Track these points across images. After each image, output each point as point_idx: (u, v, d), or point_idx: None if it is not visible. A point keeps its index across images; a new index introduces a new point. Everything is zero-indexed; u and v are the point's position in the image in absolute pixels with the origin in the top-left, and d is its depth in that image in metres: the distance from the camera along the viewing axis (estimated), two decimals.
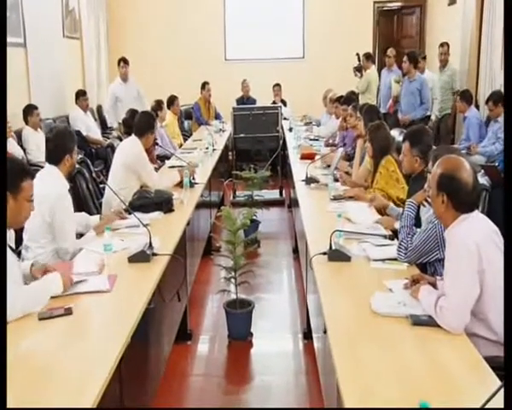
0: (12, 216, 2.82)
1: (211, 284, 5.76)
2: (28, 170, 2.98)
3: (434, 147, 3.79)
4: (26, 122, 7.08)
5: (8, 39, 7.67)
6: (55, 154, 3.85)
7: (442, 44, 9.28)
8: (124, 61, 9.58)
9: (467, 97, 7.47)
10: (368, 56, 10.14)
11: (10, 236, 2.95)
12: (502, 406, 1.71)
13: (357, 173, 5.24)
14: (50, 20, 9.26)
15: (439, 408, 1.78)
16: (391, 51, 9.98)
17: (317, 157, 6.35)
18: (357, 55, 10.19)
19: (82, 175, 5.29)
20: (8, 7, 7.68)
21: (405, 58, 8.48)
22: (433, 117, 8.87)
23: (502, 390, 1.63)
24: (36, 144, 7.12)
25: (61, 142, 3.86)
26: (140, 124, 5.32)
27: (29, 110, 7.35)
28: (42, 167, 3.96)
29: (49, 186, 3.60)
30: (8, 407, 1.94)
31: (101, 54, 11.48)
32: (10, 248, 2.91)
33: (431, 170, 2.97)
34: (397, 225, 3.83)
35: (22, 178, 2.88)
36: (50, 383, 2.18)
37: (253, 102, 10.86)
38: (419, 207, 3.43)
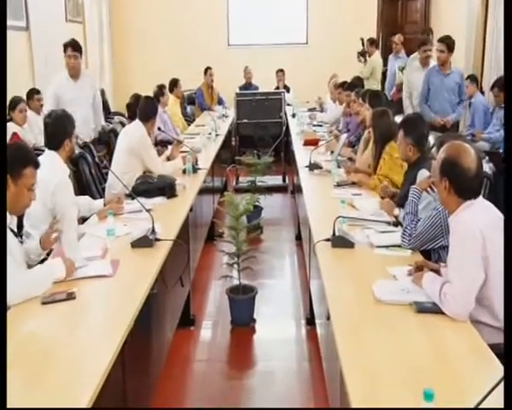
0: (11, 201, 2.83)
1: (214, 270, 5.76)
2: (32, 158, 2.96)
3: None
4: (29, 106, 7.05)
5: (11, 23, 7.65)
6: (54, 139, 3.82)
7: (426, 31, 8.72)
8: (73, 48, 6.22)
9: (475, 79, 7.45)
10: (372, 42, 10.07)
11: (12, 220, 2.95)
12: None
13: (360, 159, 5.21)
14: (53, 4, 9.20)
15: (441, 409, 1.76)
16: (398, 38, 9.90)
17: (320, 143, 6.32)
18: (362, 39, 10.13)
19: (85, 160, 5.28)
20: None
21: (442, 46, 6.69)
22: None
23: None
24: (39, 128, 7.08)
25: (60, 126, 3.83)
26: (145, 109, 5.27)
27: (29, 94, 7.32)
28: (44, 151, 3.93)
29: (50, 172, 3.57)
30: (12, 394, 1.93)
31: (103, 38, 11.44)
32: (12, 232, 2.92)
33: (435, 156, 2.96)
34: (396, 211, 3.83)
35: (25, 165, 2.88)
36: (53, 367, 2.17)
37: (256, 89, 10.80)
38: None
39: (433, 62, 7.08)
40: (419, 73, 7.14)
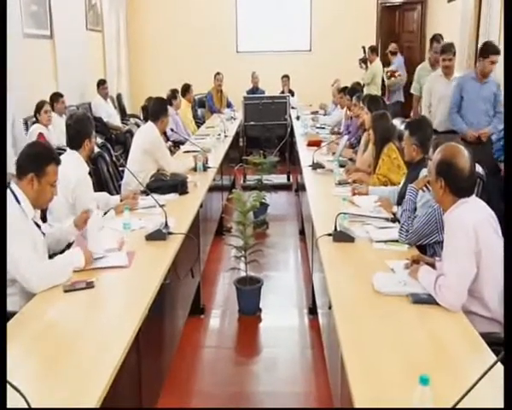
0: (35, 197, 2.87)
1: (222, 262, 5.76)
2: (54, 156, 2.98)
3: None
4: (53, 109, 7.07)
5: (37, 32, 7.74)
6: (75, 139, 3.85)
7: (436, 39, 7.36)
8: None
9: None
10: (373, 49, 10.04)
11: (36, 213, 2.96)
12: (495, 379, 1.70)
13: (361, 160, 5.20)
14: (75, 14, 9.28)
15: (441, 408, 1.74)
16: (392, 46, 9.92)
17: (322, 144, 6.31)
18: (363, 47, 10.11)
19: (103, 158, 5.28)
20: (36, 2, 7.69)
21: (497, 58, 5.55)
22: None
23: (495, 366, 1.61)
24: (61, 129, 7.11)
25: (80, 127, 3.86)
26: (153, 109, 5.28)
27: (55, 98, 7.36)
28: (66, 151, 3.95)
29: (71, 170, 3.60)
30: (35, 373, 1.94)
31: (120, 45, 11.49)
32: (36, 224, 2.93)
33: (432, 157, 2.95)
34: (395, 209, 3.82)
35: (48, 163, 2.89)
36: (73, 350, 2.18)
37: (262, 93, 10.80)
38: None
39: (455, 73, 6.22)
40: (442, 82, 6.16)
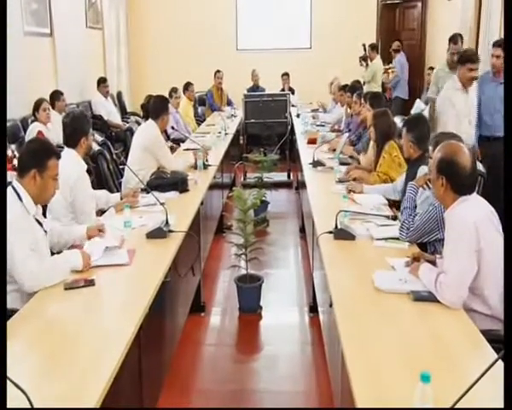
0: (38, 193, 2.88)
1: (223, 260, 5.76)
2: (54, 150, 3.00)
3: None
4: (53, 107, 7.07)
5: (37, 30, 7.73)
6: (72, 137, 3.85)
7: (454, 39, 6.55)
8: None
9: None
10: (373, 47, 10.05)
11: (38, 210, 2.96)
12: (496, 376, 1.70)
13: (364, 158, 5.20)
14: (75, 12, 9.26)
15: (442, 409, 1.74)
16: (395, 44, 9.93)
17: (318, 141, 6.28)
18: (364, 45, 10.10)
19: (103, 156, 5.28)
20: None
21: (499, 51, 5.08)
22: None
23: (497, 364, 1.61)
24: (61, 127, 7.10)
25: (77, 125, 3.86)
26: (154, 107, 5.27)
27: (55, 96, 7.35)
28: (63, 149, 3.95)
29: (69, 168, 3.59)
30: (37, 371, 1.94)
31: (120, 43, 11.47)
32: (38, 222, 2.93)
33: (432, 155, 2.95)
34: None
35: (49, 157, 2.91)
36: (75, 348, 2.18)
37: (263, 91, 10.79)
38: None
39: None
40: (462, 97, 5.33)
